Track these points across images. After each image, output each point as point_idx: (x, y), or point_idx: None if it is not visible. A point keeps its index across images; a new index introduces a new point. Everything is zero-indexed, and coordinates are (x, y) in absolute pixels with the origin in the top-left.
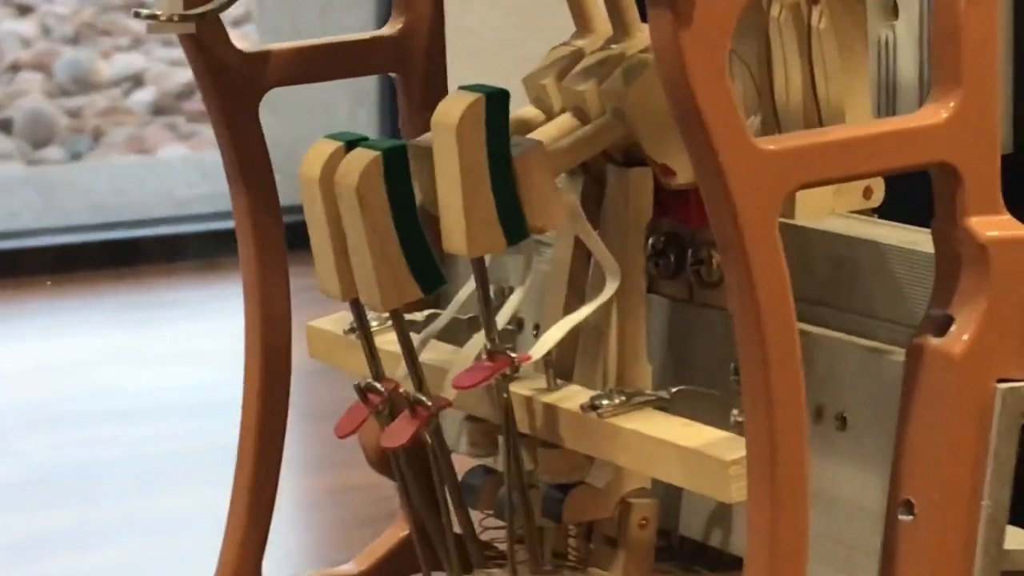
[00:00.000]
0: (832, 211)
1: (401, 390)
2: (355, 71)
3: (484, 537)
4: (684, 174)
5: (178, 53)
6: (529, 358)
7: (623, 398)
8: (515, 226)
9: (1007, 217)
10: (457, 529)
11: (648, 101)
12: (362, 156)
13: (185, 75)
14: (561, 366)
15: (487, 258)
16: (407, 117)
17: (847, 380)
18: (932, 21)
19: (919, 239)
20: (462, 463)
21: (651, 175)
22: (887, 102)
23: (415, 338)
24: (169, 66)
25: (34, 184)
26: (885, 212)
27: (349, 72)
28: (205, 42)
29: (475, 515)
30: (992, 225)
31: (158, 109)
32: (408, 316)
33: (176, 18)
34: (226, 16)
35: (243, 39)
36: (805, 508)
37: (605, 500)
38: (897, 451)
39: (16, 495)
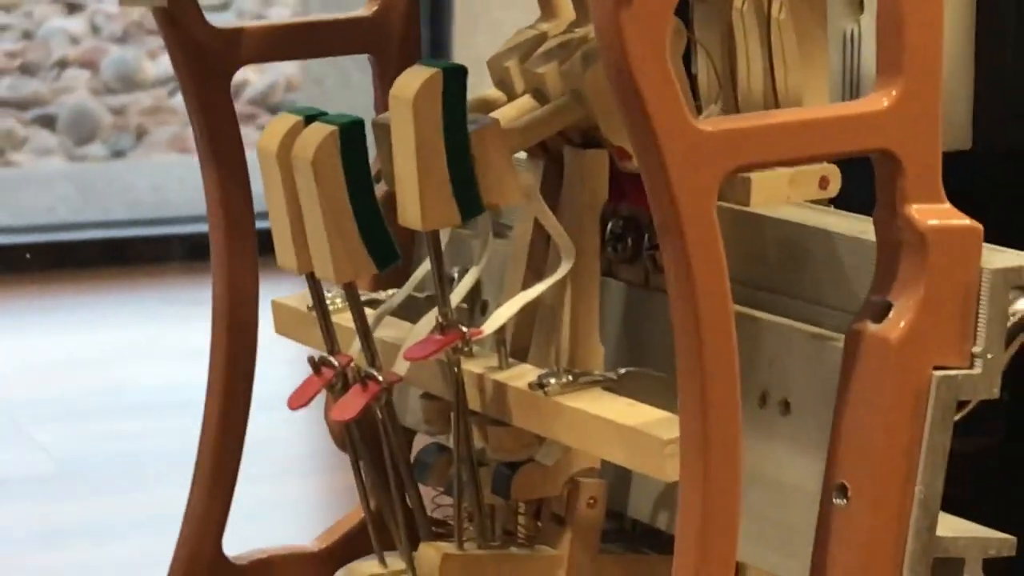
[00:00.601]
0: (787, 200)
1: (353, 364)
2: (330, 51)
3: (438, 515)
4: None
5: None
6: (481, 332)
7: (570, 377)
8: (470, 201)
9: (947, 206)
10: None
11: (605, 84)
12: (319, 130)
13: None
14: (519, 346)
15: (444, 238)
16: (381, 98)
17: (792, 366)
18: None
19: (869, 228)
20: (422, 443)
21: (607, 157)
22: (851, 94)
23: (371, 314)
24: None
25: (74, 180)
26: (847, 204)
27: (323, 52)
28: (177, 17)
29: (429, 492)
30: (932, 214)
31: None
32: (372, 295)
33: None
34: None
35: None
36: (737, 486)
37: (554, 479)
38: (833, 435)
39: (39, 487)
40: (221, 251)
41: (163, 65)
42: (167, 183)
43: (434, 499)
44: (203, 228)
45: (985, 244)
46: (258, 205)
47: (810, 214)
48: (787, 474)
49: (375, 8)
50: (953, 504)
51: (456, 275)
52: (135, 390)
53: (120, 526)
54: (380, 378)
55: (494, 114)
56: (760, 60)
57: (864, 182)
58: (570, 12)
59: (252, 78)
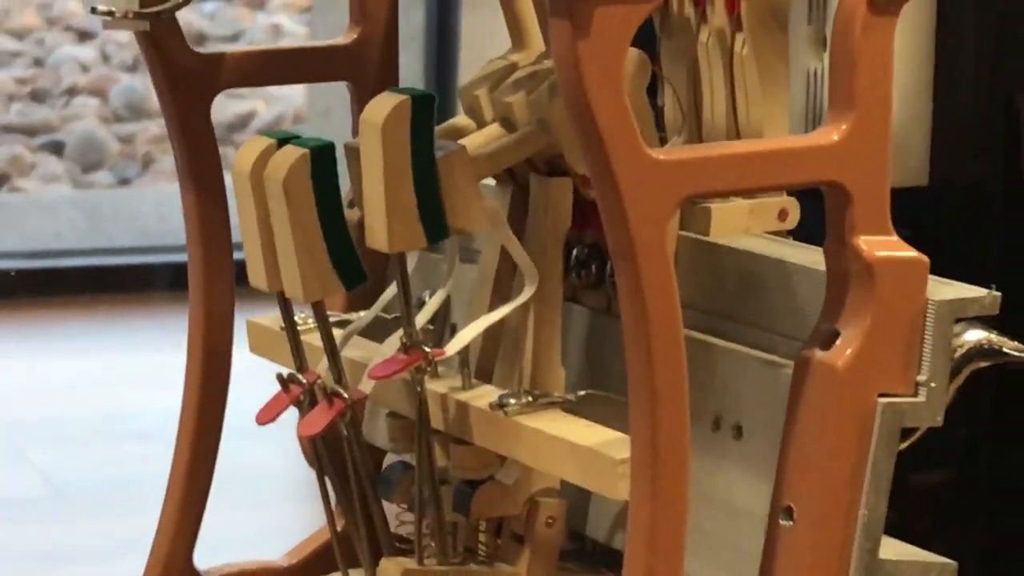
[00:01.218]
0: (747, 231)
1: (320, 382)
2: (309, 78)
3: (403, 531)
4: None
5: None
6: (443, 353)
7: (530, 399)
8: (436, 225)
9: (895, 238)
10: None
11: None
12: (291, 153)
13: (238, 107)
14: (485, 369)
15: (412, 261)
16: (357, 124)
17: (744, 391)
18: None
19: (823, 259)
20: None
21: (571, 185)
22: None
23: (340, 334)
24: (222, 97)
25: (80, 206)
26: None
27: (302, 78)
28: (160, 40)
29: (395, 509)
30: (879, 245)
31: None
32: (344, 316)
33: (131, 15)
34: None
35: None
36: (684, 505)
37: (513, 497)
38: (781, 458)
39: (36, 508)
40: (198, 272)
41: None
42: (173, 211)
43: (398, 516)
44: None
45: (932, 276)
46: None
47: (767, 245)
48: (738, 497)
49: (354, 36)
50: (912, 536)
51: (427, 297)
52: (134, 415)
53: (116, 548)
54: (345, 395)
55: (462, 141)
56: (723, 94)
57: (823, 215)
58: (540, 44)
59: (260, 108)
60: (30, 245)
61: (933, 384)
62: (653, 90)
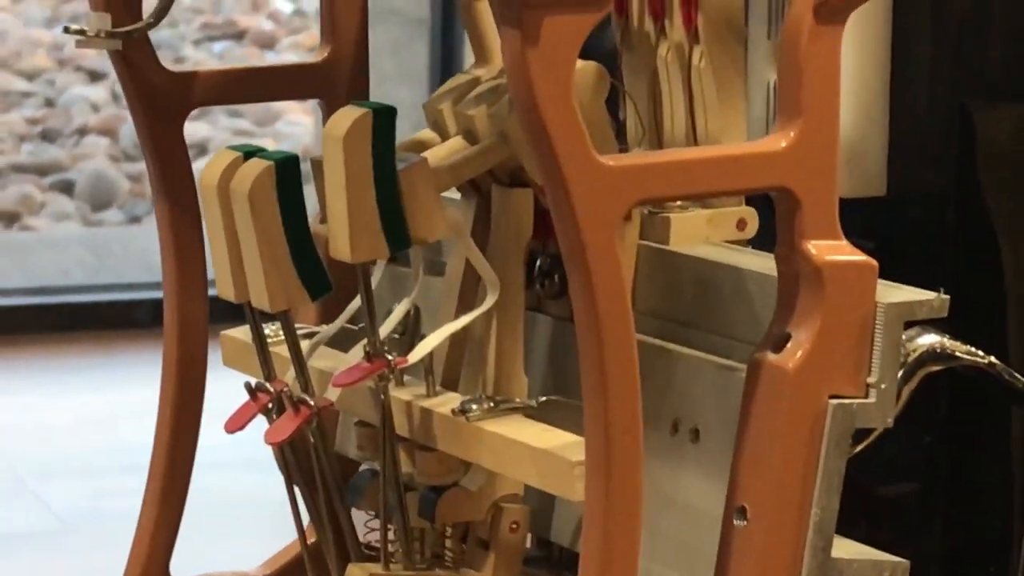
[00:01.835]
0: (706, 240)
1: (287, 390)
2: (280, 95)
3: (372, 538)
4: None
5: (244, 123)
6: (406, 361)
7: (492, 404)
8: (398, 236)
9: (844, 242)
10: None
11: None
12: (256, 165)
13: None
14: (451, 378)
15: (379, 273)
16: None
17: (701, 396)
18: None
19: None
20: None
21: (532, 196)
22: None
23: (307, 344)
24: (234, 135)
25: (89, 244)
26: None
27: (274, 96)
28: (132, 59)
29: (364, 516)
30: (828, 249)
31: None
32: (314, 328)
33: (103, 35)
34: None
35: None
36: (638, 505)
37: (478, 503)
38: (735, 460)
39: (42, 542)
40: (172, 284)
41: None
42: None
43: (366, 523)
44: (214, 293)
45: (882, 280)
46: None
47: (724, 253)
48: (696, 499)
49: (324, 55)
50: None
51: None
52: (139, 449)
53: None
54: (312, 403)
55: (426, 154)
56: (682, 106)
57: None
58: (502, 59)
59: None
60: (38, 282)
61: (883, 386)
62: (616, 104)
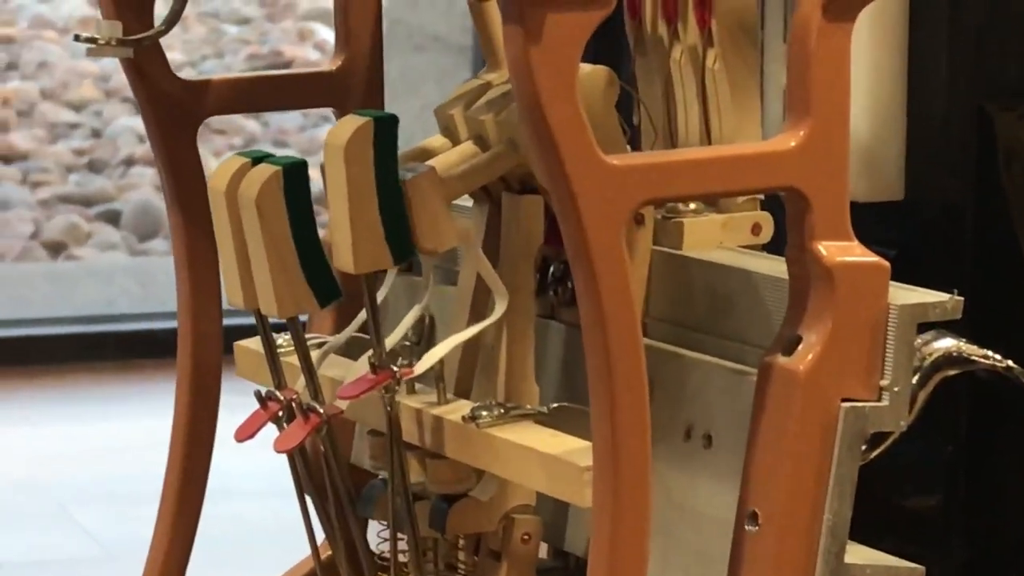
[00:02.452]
0: (719, 245)
1: (298, 399)
2: (294, 104)
3: (386, 549)
4: None
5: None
6: (412, 372)
7: (502, 411)
8: (402, 246)
9: (855, 243)
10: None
11: None
12: (263, 171)
13: None
14: (463, 387)
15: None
16: None
17: (714, 401)
18: None
19: None
20: None
21: (542, 203)
22: None
23: (316, 352)
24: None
25: (135, 274)
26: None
27: (288, 105)
28: (144, 68)
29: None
30: (839, 250)
31: None
32: (326, 337)
33: (114, 43)
34: None
35: None
36: (647, 509)
37: (489, 514)
38: (746, 464)
39: (84, 568)
40: (186, 295)
41: None
42: None
43: (379, 533)
44: (252, 321)
45: (895, 282)
46: None
47: (736, 257)
48: (709, 505)
49: (339, 63)
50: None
51: (424, 320)
52: None
53: None
54: (321, 411)
55: (435, 160)
56: (696, 109)
57: None
58: None
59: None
60: (84, 312)
61: (896, 388)
62: (631, 110)
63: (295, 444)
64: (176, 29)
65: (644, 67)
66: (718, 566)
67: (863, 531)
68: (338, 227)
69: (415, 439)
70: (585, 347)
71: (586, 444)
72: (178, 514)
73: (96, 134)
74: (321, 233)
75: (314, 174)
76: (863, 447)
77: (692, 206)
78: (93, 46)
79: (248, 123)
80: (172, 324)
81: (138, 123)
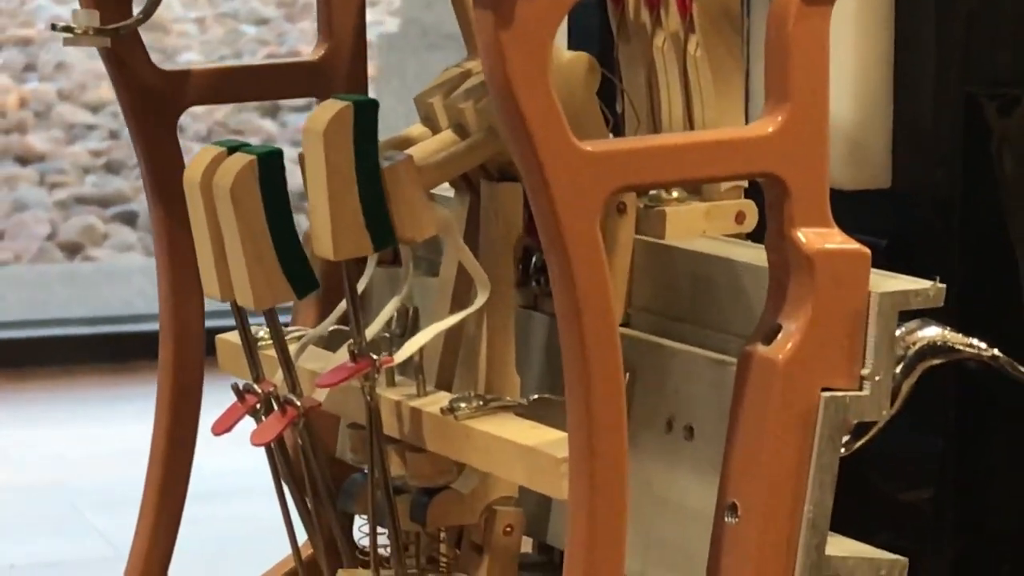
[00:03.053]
0: (703, 234)
1: (275, 391)
2: (276, 94)
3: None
4: None
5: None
6: (392, 360)
7: (481, 403)
8: (382, 232)
9: (835, 230)
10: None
11: None
12: (238, 160)
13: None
14: (444, 377)
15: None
16: None
17: (695, 392)
18: None
19: None
20: None
21: (521, 191)
22: None
23: (295, 345)
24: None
25: (151, 275)
26: None
27: (270, 94)
28: (122, 57)
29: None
30: (819, 237)
31: None
32: (305, 330)
33: (91, 32)
34: None
35: None
36: (624, 500)
37: (471, 506)
38: (726, 455)
39: (99, 570)
40: (167, 287)
41: None
42: None
43: (360, 528)
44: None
45: (877, 270)
46: None
47: (718, 245)
48: (690, 498)
49: (321, 53)
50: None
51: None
52: (194, 477)
53: None
54: (298, 403)
55: (414, 148)
56: (679, 96)
57: None
58: None
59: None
60: (100, 312)
61: (878, 377)
62: (614, 98)
63: (271, 437)
64: (194, 29)
65: (627, 54)
66: (700, 559)
67: (852, 524)
68: (317, 213)
69: (395, 432)
70: (560, 337)
71: (564, 435)
72: (159, 514)
73: (113, 135)
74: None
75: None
76: (845, 438)
77: (675, 194)
78: (70, 35)
79: (265, 123)
80: None
81: None
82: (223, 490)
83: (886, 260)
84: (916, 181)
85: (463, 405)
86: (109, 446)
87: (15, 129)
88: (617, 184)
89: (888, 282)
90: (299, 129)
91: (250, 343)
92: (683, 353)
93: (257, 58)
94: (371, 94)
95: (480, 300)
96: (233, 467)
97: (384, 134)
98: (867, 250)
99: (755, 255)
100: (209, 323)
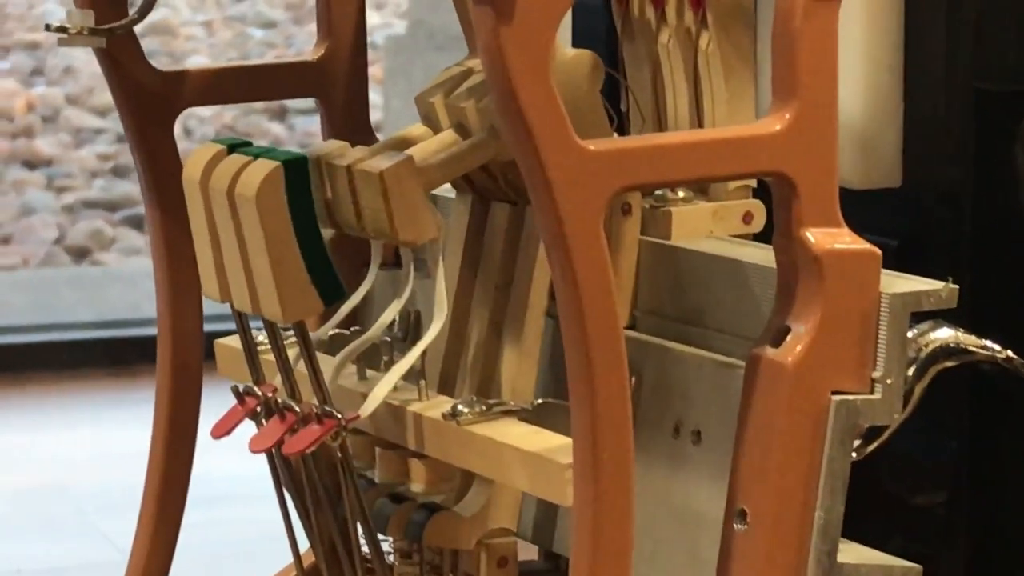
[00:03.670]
0: (710, 234)
1: (275, 396)
2: (275, 94)
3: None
4: None
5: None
6: (358, 416)
7: (484, 407)
8: (330, 287)
9: (844, 230)
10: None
11: None
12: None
13: None
14: (447, 382)
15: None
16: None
17: (702, 396)
18: None
19: None
20: None
21: None
22: None
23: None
24: None
25: None
26: None
27: (268, 95)
28: (118, 58)
29: None
30: (828, 237)
31: None
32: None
33: (86, 32)
34: None
35: None
36: (629, 507)
37: (468, 531)
38: (734, 460)
39: (101, 574)
40: (164, 291)
41: None
42: None
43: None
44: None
45: (888, 271)
46: None
47: (725, 246)
48: (697, 503)
49: (320, 53)
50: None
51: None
52: (202, 482)
53: None
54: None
55: (415, 148)
56: (686, 94)
57: None
58: None
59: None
60: (108, 316)
61: (889, 380)
62: (618, 97)
63: (271, 444)
64: (201, 32)
65: (631, 52)
66: (709, 566)
67: (866, 529)
68: (261, 278)
69: (396, 437)
70: (564, 339)
71: (569, 441)
72: (158, 519)
73: (121, 139)
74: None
75: None
76: (857, 442)
77: (681, 194)
78: (64, 35)
79: (273, 126)
80: None
81: None
82: (223, 495)
83: (896, 260)
84: (927, 179)
85: (465, 410)
86: (115, 449)
87: (22, 133)
88: (621, 183)
89: (899, 283)
90: (307, 132)
91: (250, 345)
92: (690, 356)
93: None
94: (378, 96)
95: (435, 328)
96: (235, 474)
97: None
98: (878, 250)
99: (763, 256)
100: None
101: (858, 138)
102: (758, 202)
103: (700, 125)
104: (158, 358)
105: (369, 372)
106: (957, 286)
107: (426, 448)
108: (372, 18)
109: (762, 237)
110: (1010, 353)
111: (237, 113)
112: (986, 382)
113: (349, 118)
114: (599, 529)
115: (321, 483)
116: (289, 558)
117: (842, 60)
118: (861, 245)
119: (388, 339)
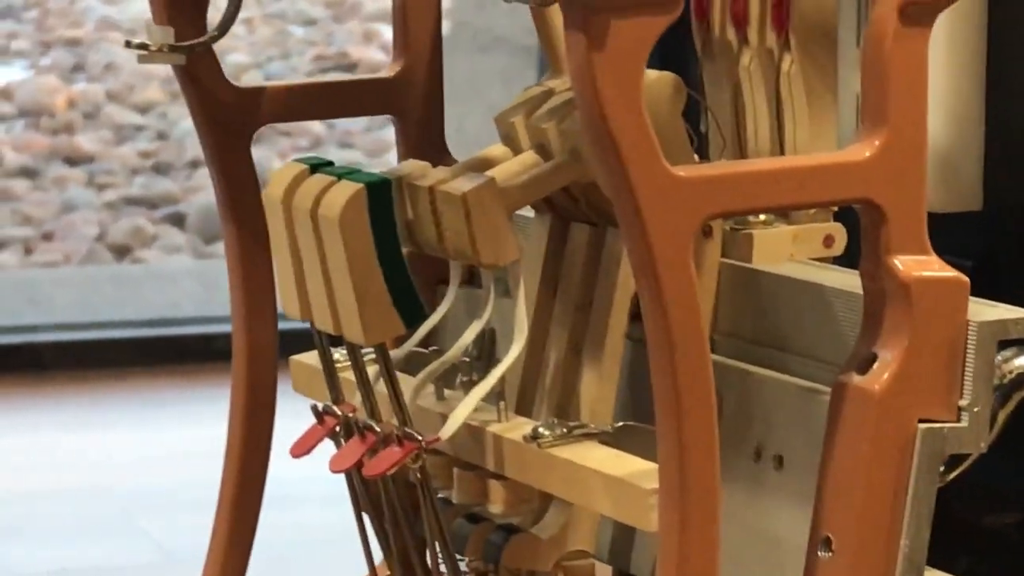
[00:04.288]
0: (790, 258)
1: (354, 416)
2: (351, 112)
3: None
4: None
5: (353, 155)
6: (439, 439)
7: (564, 430)
8: (411, 309)
9: (932, 257)
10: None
11: None
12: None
13: None
14: (524, 403)
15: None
16: (404, 158)
17: (784, 420)
18: None
19: None
20: None
21: None
22: None
23: (409, 379)
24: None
25: (199, 277)
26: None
27: (345, 112)
28: (197, 75)
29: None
30: (916, 265)
31: None
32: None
33: (166, 49)
34: None
35: None
36: (715, 534)
37: (547, 553)
38: (819, 487)
39: (148, 574)
40: (240, 309)
41: None
42: None
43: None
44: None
45: (975, 298)
46: None
47: (807, 270)
48: (780, 529)
49: (397, 69)
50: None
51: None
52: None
53: None
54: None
55: (496, 169)
56: (767, 117)
57: None
58: None
59: None
60: (149, 315)
61: (976, 409)
62: (698, 118)
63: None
64: (242, 30)
65: (712, 73)
66: None
67: (937, 552)
68: (342, 300)
69: (475, 459)
70: (651, 365)
71: (652, 466)
72: (234, 524)
73: (162, 136)
74: None
75: None
76: (940, 469)
77: (762, 217)
78: (144, 52)
79: (314, 125)
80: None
81: None
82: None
83: (976, 283)
84: (1008, 202)
85: (546, 432)
86: (159, 449)
87: (63, 130)
88: (711, 211)
89: (987, 311)
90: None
91: (329, 364)
92: (773, 381)
93: (305, 59)
94: None
95: (515, 349)
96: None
97: None
98: (966, 278)
99: (844, 280)
100: None
101: (939, 160)
102: (839, 225)
103: (781, 148)
104: (233, 372)
105: (447, 392)
106: None
107: (506, 470)
108: None
109: (843, 261)
110: None
111: None
112: None
113: (424, 136)
114: (685, 556)
115: (399, 502)
116: (359, 565)
117: None
118: (949, 272)
119: (466, 359)
